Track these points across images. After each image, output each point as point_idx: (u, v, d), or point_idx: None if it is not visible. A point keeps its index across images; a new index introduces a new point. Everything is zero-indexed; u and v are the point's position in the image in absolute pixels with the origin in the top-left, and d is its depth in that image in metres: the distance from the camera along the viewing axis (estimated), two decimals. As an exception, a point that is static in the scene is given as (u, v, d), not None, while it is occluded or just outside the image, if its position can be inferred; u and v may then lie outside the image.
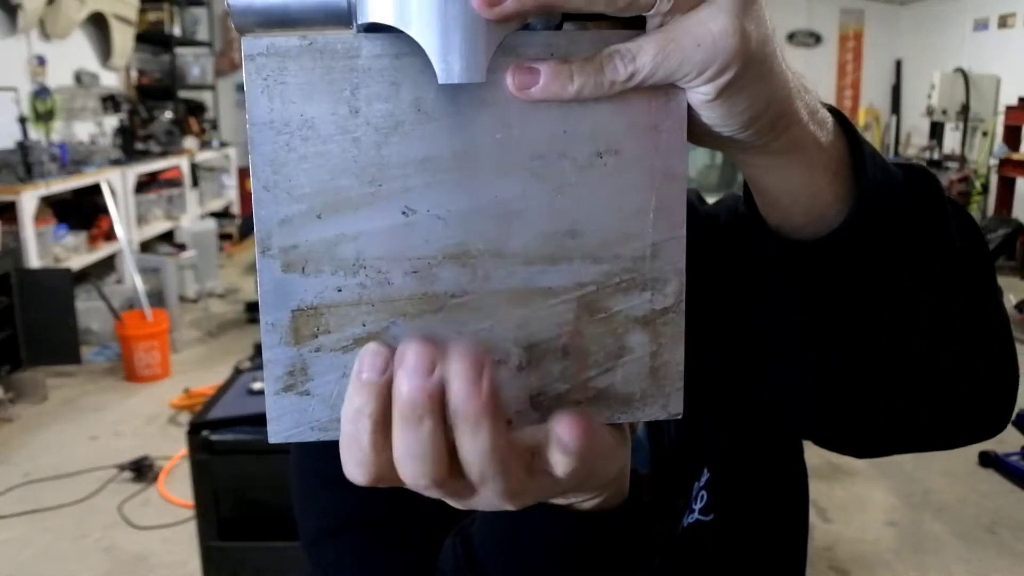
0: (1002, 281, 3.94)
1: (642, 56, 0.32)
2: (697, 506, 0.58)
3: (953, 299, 0.46)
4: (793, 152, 0.39)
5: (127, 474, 3.41)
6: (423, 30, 0.31)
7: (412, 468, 0.33)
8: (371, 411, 0.34)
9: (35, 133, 5.49)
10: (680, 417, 0.38)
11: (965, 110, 7.73)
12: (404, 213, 0.34)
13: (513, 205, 0.34)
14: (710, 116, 0.35)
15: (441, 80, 0.32)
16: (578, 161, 0.34)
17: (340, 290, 0.34)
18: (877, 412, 0.48)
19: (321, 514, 0.66)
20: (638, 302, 0.36)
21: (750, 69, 0.33)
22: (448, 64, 0.32)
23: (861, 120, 9.26)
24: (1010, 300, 5.09)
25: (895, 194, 0.43)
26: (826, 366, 0.46)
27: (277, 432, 0.36)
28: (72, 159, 5.47)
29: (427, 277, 0.34)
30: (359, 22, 0.33)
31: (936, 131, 8.42)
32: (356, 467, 0.35)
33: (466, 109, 0.33)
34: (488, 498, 0.35)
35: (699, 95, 0.34)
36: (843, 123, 0.43)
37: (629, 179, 0.35)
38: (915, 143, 8.88)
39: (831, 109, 0.43)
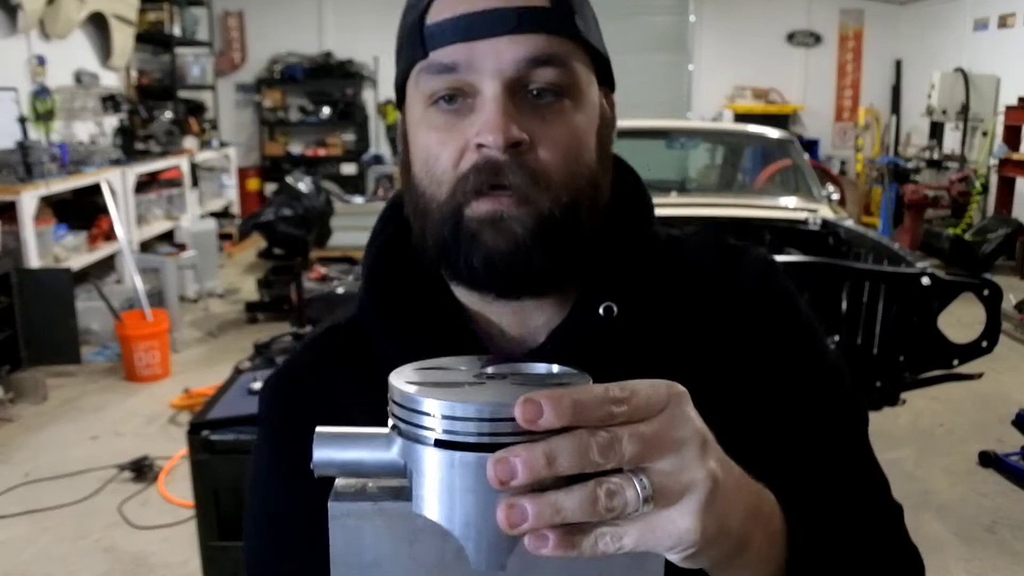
0: (1002, 281, 3.95)
1: (626, 539, 0.43)
2: None
3: None
4: (741, 569, 0.51)
5: (127, 474, 3.41)
6: (462, 532, 0.42)
7: None
8: None
9: (35, 133, 5.49)
10: None
11: (965, 110, 7.74)
12: None
13: None
14: (677, 562, 0.47)
15: (473, 567, 0.43)
16: None
17: None
18: None
19: None
20: None
21: (706, 547, 0.45)
22: (478, 558, 0.43)
23: (861, 120, 9.26)
24: (1010, 300, 5.09)
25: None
26: None
27: None
28: (72, 159, 5.47)
29: None
30: (416, 511, 0.43)
31: (936, 131, 8.42)
32: None
33: None
34: None
35: (669, 556, 0.46)
36: (788, 516, 0.55)
37: None
38: (915, 143, 8.88)
39: (782, 500, 0.55)
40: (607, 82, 0.68)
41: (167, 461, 3.48)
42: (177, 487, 3.23)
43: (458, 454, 0.41)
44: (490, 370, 0.48)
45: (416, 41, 0.62)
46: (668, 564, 0.46)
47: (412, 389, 0.43)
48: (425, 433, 0.42)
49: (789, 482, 0.57)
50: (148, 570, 2.81)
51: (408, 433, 0.43)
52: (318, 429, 0.45)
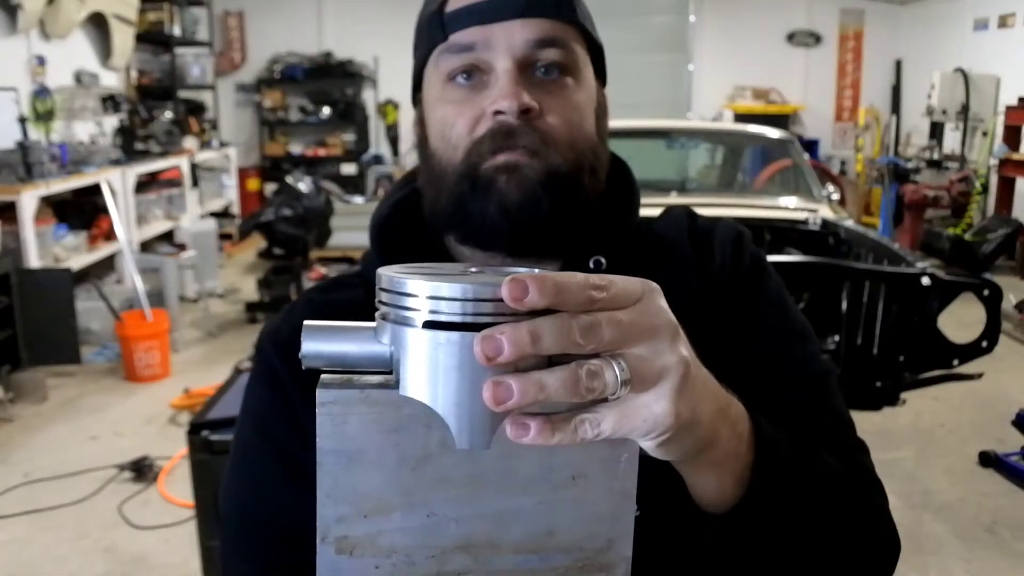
0: (1002, 281, 3.95)
1: (604, 424, 0.44)
2: None
3: (837, 539, 0.64)
4: (710, 466, 0.55)
5: (127, 474, 3.41)
6: (447, 410, 0.43)
7: None
8: None
9: (35, 133, 5.49)
10: None
11: (965, 110, 7.73)
12: (428, 516, 0.45)
13: (507, 512, 0.46)
14: (651, 451, 0.49)
15: (458, 446, 0.44)
16: (557, 483, 0.46)
17: (377, 567, 0.45)
18: None
19: None
20: None
21: (680, 432, 0.47)
22: (462, 436, 0.43)
23: (861, 120, 9.25)
24: (1010, 300, 5.09)
25: (783, 487, 0.59)
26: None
27: None
28: (72, 159, 5.46)
29: (442, 560, 0.46)
30: (402, 395, 0.44)
31: (936, 131, 8.41)
32: None
33: None
34: None
35: (644, 444, 0.48)
36: (756, 423, 0.58)
37: (594, 495, 0.46)
38: (915, 143, 8.87)
39: (749, 408, 0.58)
40: (600, 74, 0.76)
41: (167, 461, 3.48)
42: (177, 487, 3.23)
43: (445, 334, 0.42)
44: (474, 269, 0.49)
45: (436, 26, 0.70)
46: (647, 472, 0.47)
47: (401, 276, 0.44)
48: (413, 315, 0.43)
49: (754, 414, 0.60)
50: (148, 570, 2.81)
51: (396, 317, 0.44)
52: (306, 323, 0.46)
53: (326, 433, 0.44)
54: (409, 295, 0.43)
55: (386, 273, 0.45)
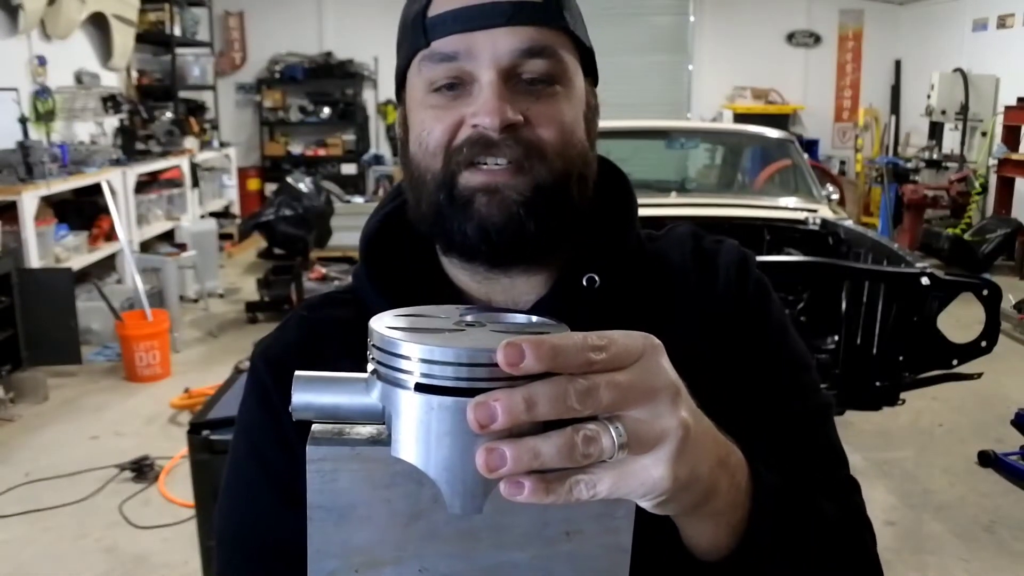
0: (1001, 281, 3.96)
1: (600, 485, 0.43)
2: None
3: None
4: (708, 517, 0.54)
5: (127, 474, 3.41)
6: (439, 475, 0.43)
7: None
8: None
9: (36, 133, 5.49)
10: None
11: (964, 110, 7.73)
12: (420, 571, 0.45)
13: (501, 567, 0.45)
14: (649, 509, 0.49)
15: (450, 511, 0.43)
16: (552, 538, 0.45)
17: None
18: None
19: None
20: None
21: (678, 493, 0.47)
22: (454, 501, 0.43)
23: (861, 120, 9.26)
24: (1009, 300, 5.10)
25: (778, 536, 0.58)
26: None
27: None
28: (72, 159, 5.47)
29: None
30: (394, 455, 0.43)
31: (935, 131, 8.41)
32: None
33: None
34: None
35: (641, 503, 0.47)
36: (753, 468, 0.57)
37: (589, 550, 0.46)
38: (914, 143, 8.87)
39: (747, 453, 0.56)
40: (591, 74, 0.73)
41: (167, 461, 3.48)
42: (177, 487, 3.23)
43: (437, 398, 0.42)
44: (469, 318, 0.48)
45: (419, 31, 0.66)
46: (637, 515, 0.47)
47: (393, 333, 0.43)
48: (405, 377, 0.42)
49: (751, 451, 0.58)
50: (148, 570, 2.81)
51: (388, 377, 0.43)
52: (297, 373, 0.45)
53: (316, 488, 0.43)
54: (402, 357, 0.42)
55: (377, 329, 0.44)
